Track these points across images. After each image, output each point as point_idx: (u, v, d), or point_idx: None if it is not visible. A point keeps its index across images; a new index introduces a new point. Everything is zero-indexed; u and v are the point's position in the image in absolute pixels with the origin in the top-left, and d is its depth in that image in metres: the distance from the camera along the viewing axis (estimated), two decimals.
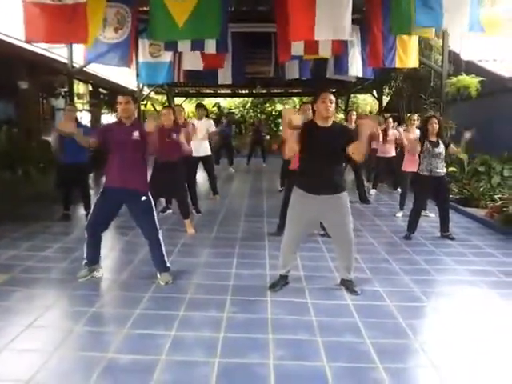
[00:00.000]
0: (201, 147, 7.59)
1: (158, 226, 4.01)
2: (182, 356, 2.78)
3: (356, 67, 9.02)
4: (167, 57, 9.17)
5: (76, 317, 3.31)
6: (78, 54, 8.56)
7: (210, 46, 7.45)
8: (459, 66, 9.51)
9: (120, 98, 3.90)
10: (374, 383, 2.53)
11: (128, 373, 2.60)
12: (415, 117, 7.51)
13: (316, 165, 3.63)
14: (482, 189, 7.58)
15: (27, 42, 5.85)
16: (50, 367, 2.64)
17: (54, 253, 4.87)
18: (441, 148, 5.54)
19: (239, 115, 23.62)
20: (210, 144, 7.99)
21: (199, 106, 8.28)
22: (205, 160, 7.83)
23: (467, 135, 6.08)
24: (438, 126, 5.51)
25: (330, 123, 3.62)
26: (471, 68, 9.45)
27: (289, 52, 7.69)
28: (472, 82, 8.64)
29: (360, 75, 9.46)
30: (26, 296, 3.66)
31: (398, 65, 7.94)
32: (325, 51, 7.75)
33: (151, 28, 6.25)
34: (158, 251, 4.03)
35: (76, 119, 6.48)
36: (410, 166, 6.59)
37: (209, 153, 7.90)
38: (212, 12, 5.99)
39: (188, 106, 19.13)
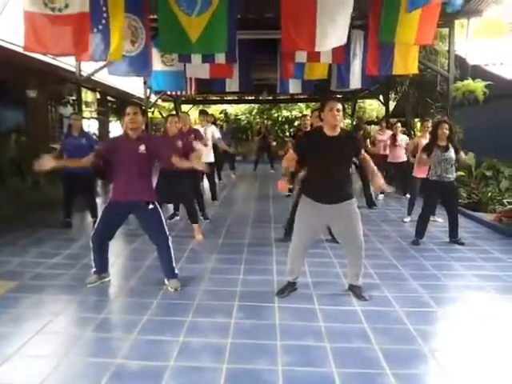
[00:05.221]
0: (206, 154, 7.64)
1: (167, 233, 4.00)
2: (190, 362, 2.78)
3: (357, 79, 9.37)
4: (179, 66, 9.23)
5: (85, 323, 3.33)
6: (85, 63, 8.65)
7: (220, 58, 7.64)
8: (465, 70, 9.48)
9: (128, 109, 3.84)
10: None
11: (136, 378, 2.60)
12: (429, 124, 6.98)
13: (324, 173, 3.63)
14: (490, 193, 7.52)
15: (25, 50, 5.79)
16: (60, 373, 2.66)
17: (62, 259, 4.91)
18: (451, 153, 5.49)
19: (245, 121, 23.71)
20: (217, 151, 8.01)
21: (202, 113, 8.32)
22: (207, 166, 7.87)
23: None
24: (448, 131, 5.48)
25: (337, 131, 3.61)
26: (478, 72, 9.42)
27: (291, 67, 8.48)
28: (478, 86, 8.61)
29: (359, 87, 9.83)
30: (35, 302, 3.69)
31: (394, 72, 7.95)
32: (326, 58, 7.94)
33: (163, 41, 6.30)
34: (167, 258, 4.02)
35: (81, 128, 6.51)
36: (420, 171, 6.54)
37: (212, 159, 7.97)
38: (222, 26, 6.09)
39: (195, 112, 19.21)
